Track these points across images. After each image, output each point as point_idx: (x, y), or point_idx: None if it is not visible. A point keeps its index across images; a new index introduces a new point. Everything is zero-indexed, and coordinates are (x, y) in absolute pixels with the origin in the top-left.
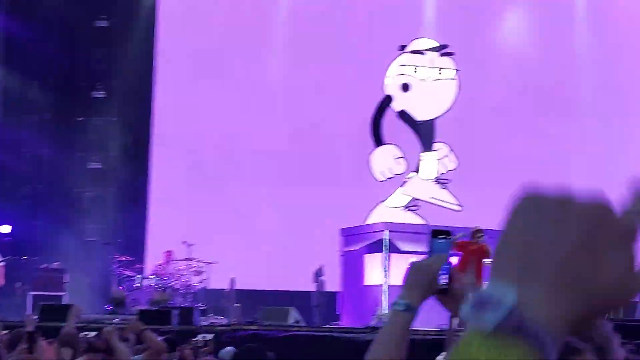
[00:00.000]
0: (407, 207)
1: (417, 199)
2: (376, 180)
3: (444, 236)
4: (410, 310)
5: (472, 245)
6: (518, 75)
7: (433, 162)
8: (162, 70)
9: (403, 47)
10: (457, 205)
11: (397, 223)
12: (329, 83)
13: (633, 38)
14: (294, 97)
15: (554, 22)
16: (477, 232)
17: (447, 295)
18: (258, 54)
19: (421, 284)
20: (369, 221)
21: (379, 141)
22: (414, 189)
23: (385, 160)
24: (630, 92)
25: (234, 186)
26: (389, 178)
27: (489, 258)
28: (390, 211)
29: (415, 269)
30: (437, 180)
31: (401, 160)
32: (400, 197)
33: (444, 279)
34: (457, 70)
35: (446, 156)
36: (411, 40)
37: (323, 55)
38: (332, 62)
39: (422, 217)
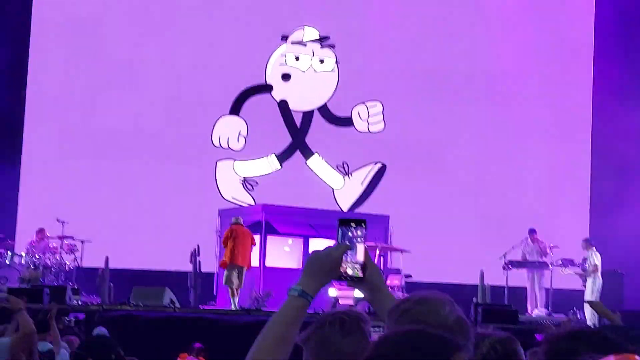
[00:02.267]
0: (245, 181)
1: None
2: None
3: (355, 224)
4: (305, 297)
5: None
6: (399, 63)
7: (323, 165)
8: (37, 38)
9: (285, 37)
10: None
11: (275, 205)
12: (211, 65)
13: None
14: (172, 77)
15: (435, 8)
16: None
17: (362, 283)
18: (136, 27)
19: (320, 272)
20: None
21: (233, 111)
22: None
23: (229, 129)
24: (504, 78)
25: (111, 162)
26: (221, 147)
27: None
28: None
29: (315, 257)
30: (346, 174)
31: (242, 138)
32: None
33: (358, 269)
34: (337, 62)
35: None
36: (293, 30)
37: (208, 37)
38: (215, 47)
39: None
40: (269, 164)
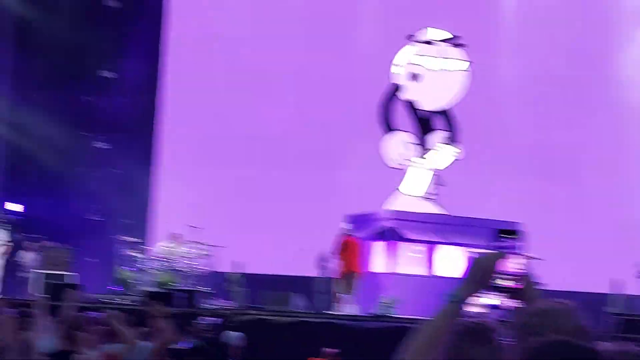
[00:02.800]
0: (425, 197)
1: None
2: (388, 166)
3: (509, 235)
4: (455, 302)
5: None
6: (532, 67)
7: (448, 156)
8: (171, 51)
9: (411, 36)
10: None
11: (404, 211)
12: (338, 68)
13: None
14: (304, 81)
15: (571, 13)
16: None
17: (519, 295)
18: (269, 37)
19: (474, 279)
20: (386, 208)
21: (388, 128)
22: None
23: (395, 147)
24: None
25: (241, 170)
26: (400, 164)
27: None
28: (407, 199)
29: (472, 265)
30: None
31: (411, 146)
32: (414, 185)
33: (515, 281)
34: (469, 62)
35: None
36: (421, 29)
37: (333, 40)
38: (342, 47)
39: (443, 207)
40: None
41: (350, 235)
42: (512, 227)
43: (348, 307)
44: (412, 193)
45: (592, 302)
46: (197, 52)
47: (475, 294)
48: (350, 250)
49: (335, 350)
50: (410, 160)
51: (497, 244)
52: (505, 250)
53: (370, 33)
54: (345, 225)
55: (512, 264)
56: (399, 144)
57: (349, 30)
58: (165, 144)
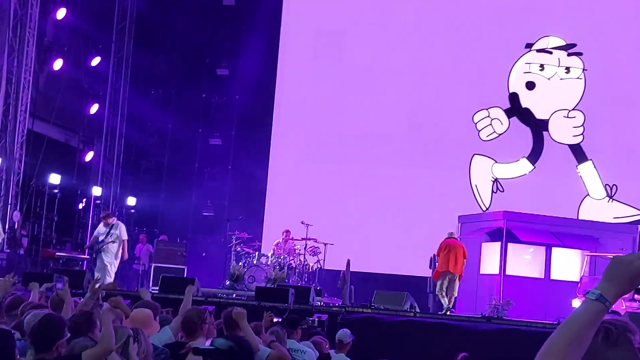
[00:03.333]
0: (611, 197)
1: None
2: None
3: None
4: (603, 301)
5: None
6: None
7: (593, 173)
8: (285, 50)
9: (530, 45)
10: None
11: (516, 212)
12: (454, 72)
13: None
14: (416, 85)
15: None
16: None
17: None
18: (382, 36)
19: (619, 278)
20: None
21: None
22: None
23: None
24: None
25: (354, 168)
26: (494, 137)
27: None
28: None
29: (615, 262)
30: (610, 197)
31: (502, 121)
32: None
33: None
34: (584, 69)
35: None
36: (538, 38)
37: (450, 44)
38: (459, 52)
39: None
40: (523, 167)
41: (452, 237)
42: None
43: (444, 308)
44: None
45: None
46: (312, 49)
47: (622, 292)
48: (451, 251)
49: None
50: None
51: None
52: None
53: (488, 38)
54: (454, 229)
55: None
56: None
57: (466, 34)
58: (279, 141)
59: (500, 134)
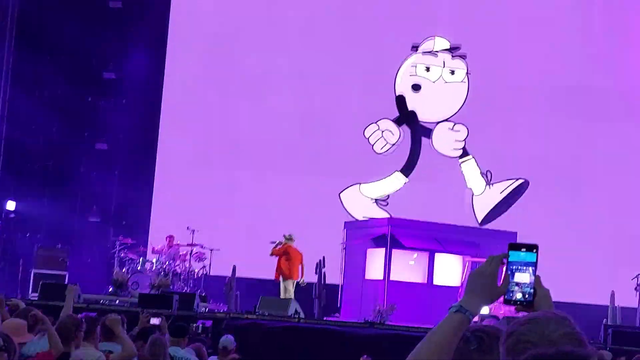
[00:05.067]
0: (377, 201)
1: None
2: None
3: (525, 249)
4: (463, 312)
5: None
6: (531, 77)
7: (474, 169)
8: (173, 53)
9: (416, 47)
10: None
11: (402, 219)
12: (342, 76)
13: None
14: (306, 89)
15: (568, 25)
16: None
17: (530, 309)
18: (271, 41)
19: (479, 289)
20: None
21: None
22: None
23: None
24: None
25: (240, 174)
26: (388, 149)
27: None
28: (359, 198)
29: (473, 274)
30: (488, 183)
31: (393, 131)
32: (377, 189)
33: (527, 294)
34: (468, 72)
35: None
36: (424, 40)
37: (337, 47)
38: (346, 55)
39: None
40: (396, 181)
41: (290, 244)
42: (516, 237)
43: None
44: (372, 195)
45: (592, 314)
46: (200, 53)
47: (484, 303)
48: (290, 257)
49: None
50: (393, 143)
51: (509, 257)
52: (516, 264)
53: (375, 41)
54: (286, 235)
55: (521, 277)
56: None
57: (353, 37)
58: (166, 145)
59: (394, 144)
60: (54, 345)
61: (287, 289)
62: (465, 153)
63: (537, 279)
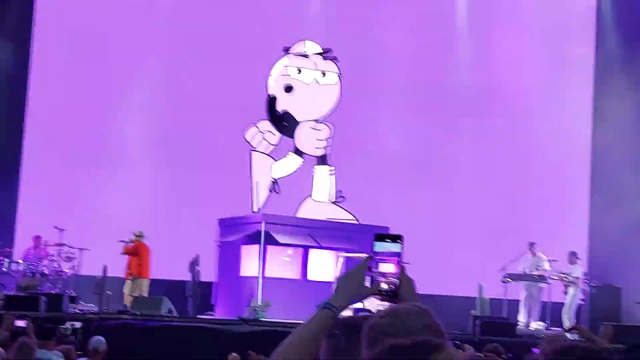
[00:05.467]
0: (335, 202)
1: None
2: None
3: (390, 240)
4: (329, 308)
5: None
6: (399, 76)
7: (326, 176)
8: (39, 47)
9: (287, 49)
10: (354, 219)
11: (275, 215)
12: (214, 76)
13: (510, 39)
14: (174, 85)
15: (435, 25)
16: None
17: (396, 298)
18: (138, 37)
19: (347, 286)
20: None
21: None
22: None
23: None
24: (505, 92)
25: (109, 171)
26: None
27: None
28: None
29: (344, 277)
30: (334, 201)
31: (274, 132)
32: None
33: (392, 285)
34: (339, 74)
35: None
36: (295, 42)
37: (209, 48)
38: (219, 57)
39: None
40: (294, 163)
41: (141, 240)
42: (388, 231)
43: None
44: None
45: (461, 305)
46: (66, 47)
47: (351, 299)
48: (140, 255)
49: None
50: (272, 144)
51: (374, 248)
52: (381, 255)
53: (247, 43)
54: (137, 231)
55: (387, 268)
56: (260, 131)
57: (225, 37)
58: (31, 143)
59: (276, 144)
60: None
61: (141, 288)
62: (324, 161)
63: (402, 269)
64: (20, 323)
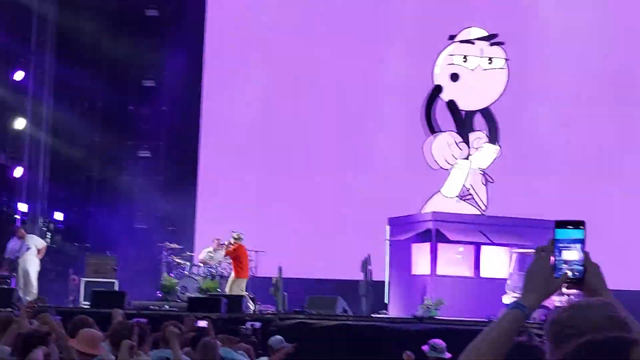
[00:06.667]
0: (462, 197)
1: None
2: (431, 168)
3: (572, 226)
4: (520, 308)
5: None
6: (573, 63)
7: (491, 154)
8: (210, 59)
9: (453, 37)
10: (483, 208)
11: (445, 213)
12: (377, 71)
13: None
14: (343, 85)
15: (613, 9)
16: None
17: (582, 285)
18: (306, 42)
19: (535, 282)
20: (424, 211)
21: (432, 130)
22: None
23: (441, 148)
24: None
25: (283, 175)
26: (446, 165)
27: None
28: (445, 201)
29: (529, 274)
30: (484, 173)
31: (456, 147)
32: (451, 185)
33: (577, 271)
34: (506, 59)
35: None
36: (461, 30)
37: (373, 43)
38: (382, 50)
39: (477, 208)
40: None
41: (240, 243)
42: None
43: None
44: (453, 194)
45: None
46: (237, 56)
47: (542, 296)
48: (240, 256)
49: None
50: (455, 161)
51: (555, 235)
52: (563, 242)
53: (409, 34)
54: (235, 234)
55: (570, 255)
56: (443, 145)
57: (386, 33)
58: (208, 150)
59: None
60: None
61: (240, 287)
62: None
63: (586, 255)
64: (202, 323)
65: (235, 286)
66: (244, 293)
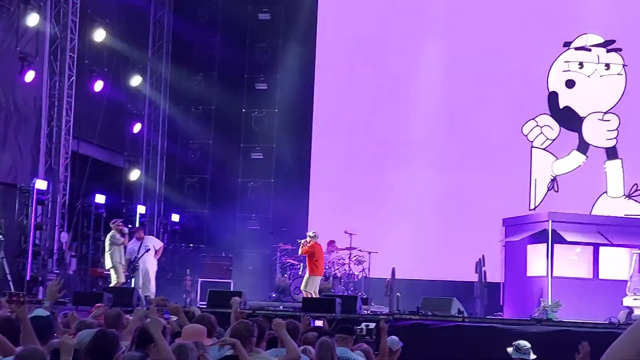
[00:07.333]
0: (629, 196)
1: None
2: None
3: None
4: None
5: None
6: None
7: (618, 171)
8: (322, 61)
9: (568, 44)
10: None
11: (561, 213)
12: (492, 74)
13: None
14: (451, 87)
15: None
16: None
17: None
18: (417, 42)
19: None
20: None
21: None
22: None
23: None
24: None
25: (394, 175)
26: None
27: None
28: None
29: None
30: (628, 196)
31: (552, 126)
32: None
33: None
34: (624, 65)
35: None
36: (576, 37)
37: (487, 46)
38: (495, 55)
39: None
40: (574, 159)
41: (316, 241)
42: None
43: None
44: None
45: None
46: (348, 58)
47: None
48: (315, 254)
49: None
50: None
51: None
52: None
53: (525, 39)
54: (311, 232)
55: None
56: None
57: (502, 36)
58: (320, 151)
59: (553, 140)
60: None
61: (314, 285)
62: (614, 155)
63: None
64: (318, 323)
65: (310, 283)
66: (316, 291)
